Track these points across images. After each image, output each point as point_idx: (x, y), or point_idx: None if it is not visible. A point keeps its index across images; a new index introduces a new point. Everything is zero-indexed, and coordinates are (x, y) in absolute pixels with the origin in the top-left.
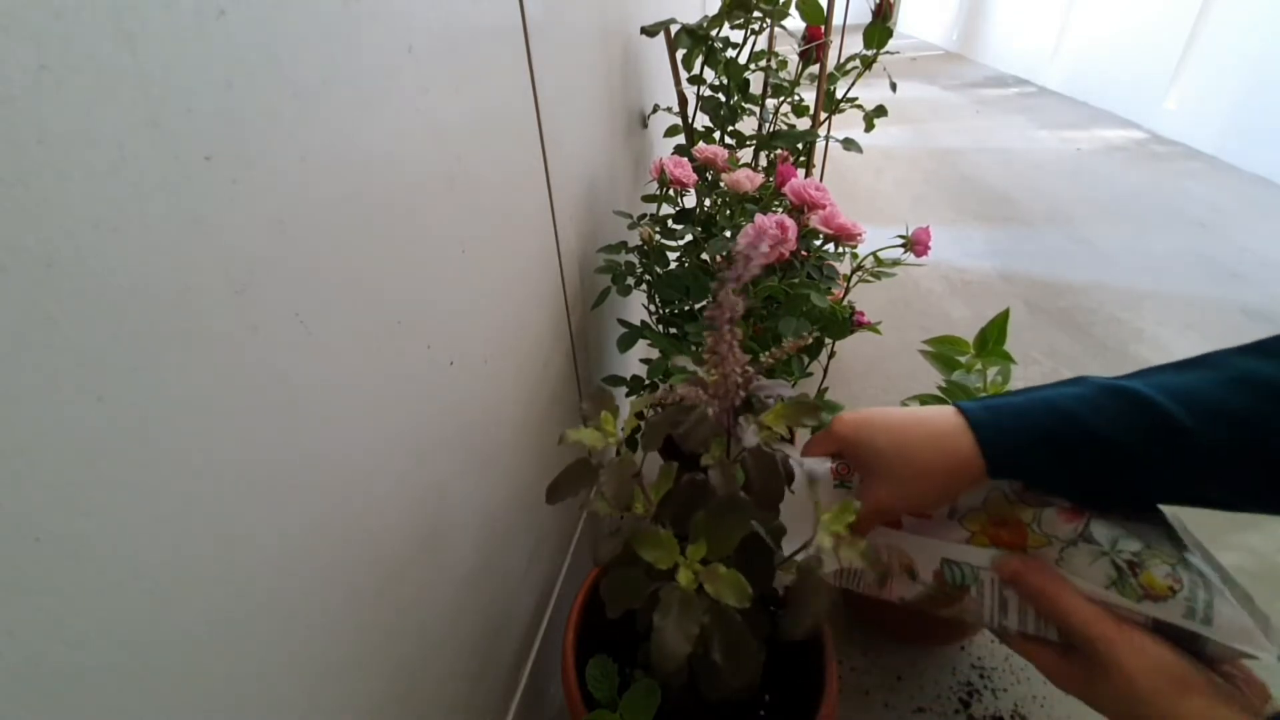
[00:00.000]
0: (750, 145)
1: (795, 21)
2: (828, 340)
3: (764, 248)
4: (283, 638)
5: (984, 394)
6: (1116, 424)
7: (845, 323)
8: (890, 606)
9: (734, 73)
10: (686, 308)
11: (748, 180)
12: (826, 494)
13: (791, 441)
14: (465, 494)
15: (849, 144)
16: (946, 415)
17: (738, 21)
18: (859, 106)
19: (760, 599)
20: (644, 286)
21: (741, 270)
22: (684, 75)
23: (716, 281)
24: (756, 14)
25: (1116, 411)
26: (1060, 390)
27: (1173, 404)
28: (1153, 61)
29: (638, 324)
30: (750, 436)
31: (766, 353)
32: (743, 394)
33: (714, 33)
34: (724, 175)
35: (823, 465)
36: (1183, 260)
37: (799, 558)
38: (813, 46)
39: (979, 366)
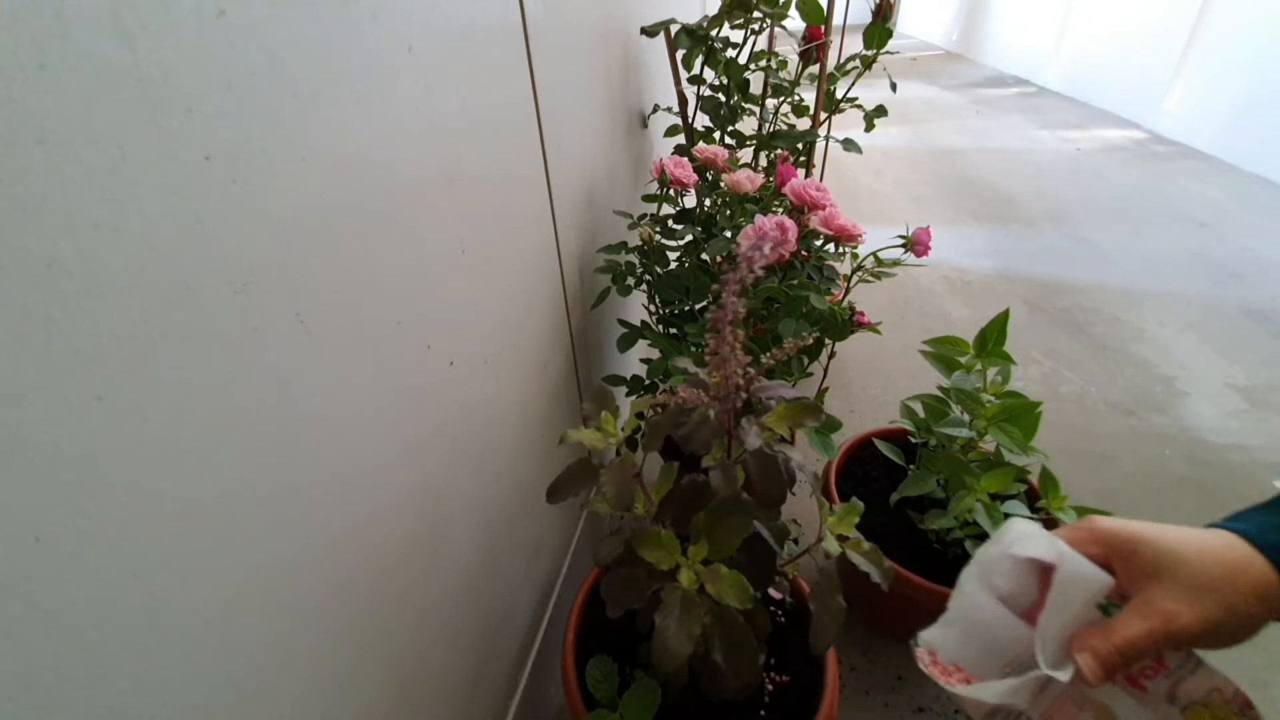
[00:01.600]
0: (750, 145)
1: (795, 21)
2: (828, 341)
3: (767, 249)
4: (282, 637)
5: (985, 395)
6: None
7: (845, 324)
8: (890, 606)
9: (734, 73)
10: (686, 308)
11: (748, 180)
12: (1084, 615)
13: (791, 442)
14: (465, 494)
15: (849, 144)
16: (1216, 532)
17: (738, 21)
18: (859, 106)
19: (762, 599)
20: (644, 286)
21: (744, 272)
22: (684, 75)
23: (718, 283)
24: (756, 14)
25: None
26: None
27: None
28: (1153, 61)
29: (638, 324)
30: (753, 438)
31: (767, 354)
32: (744, 395)
33: (714, 33)
34: (724, 175)
35: (1106, 575)
36: (1183, 260)
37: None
38: (813, 46)
39: (979, 367)
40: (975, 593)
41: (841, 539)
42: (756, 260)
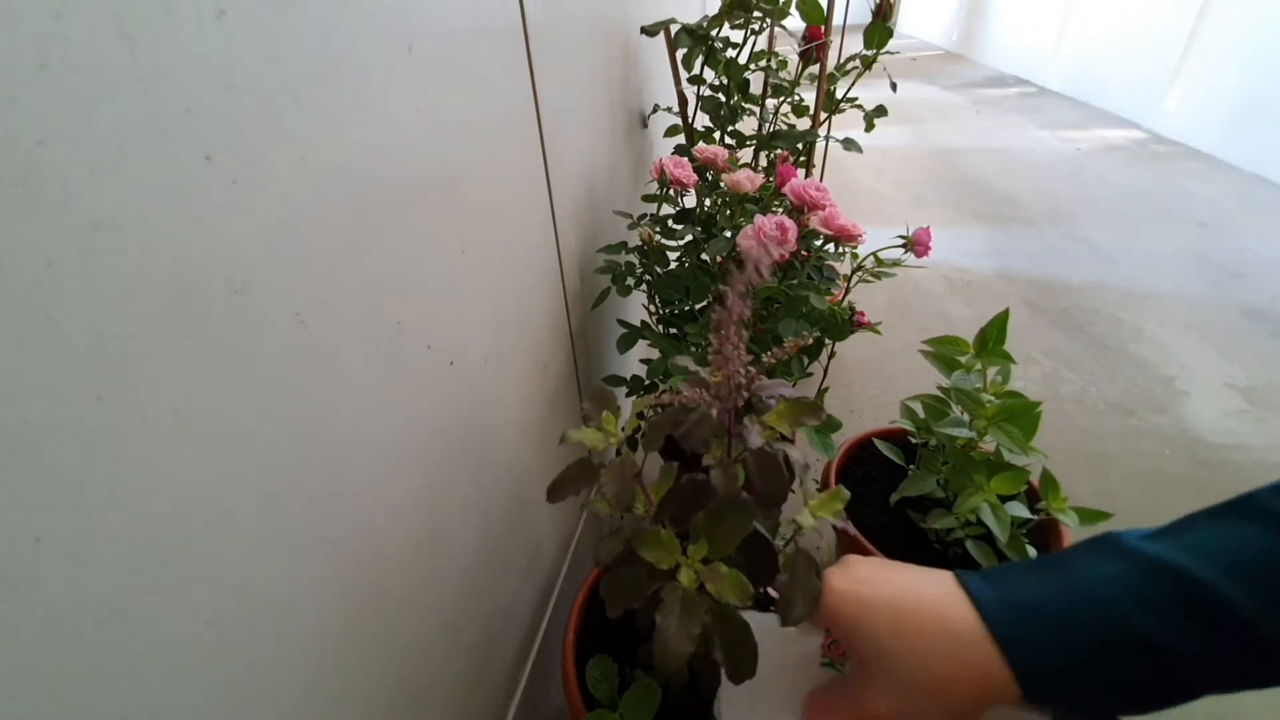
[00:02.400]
0: (750, 145)
1: (795, 21)
2: (828, 341)
3: (776, 251)
4: (282, 637)
5: (985, 394)
6: (1167, 621)
7: (845, 324)
8: None
9: (734, 73)
10: (686, 308)
11: (748, 180)
12: (808, 672)
13: (791, 442)
14: (465, 493)
15: (849, 144)
16: (958, 609)
17: (738, 21)
18: (859, 106)
19: (763, 598)
20: (644, 287)
21: (752, 274)
22: (684, 75)
23: (725, 284)
24: (756, 14)
25: (1166, 604)
26: (1091, 572)
27: (1230, 585)
28: (1153, 61)
29: (637, 324)
30: (755, 437)
31: (768, 353)
32: (745, 394)
33: (714, 33)
34: (724, 175)
35: (813, 638)
36: (1183, 260)
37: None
38: (813, 46)
39: (979, 367)
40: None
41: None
42: (765, 262)
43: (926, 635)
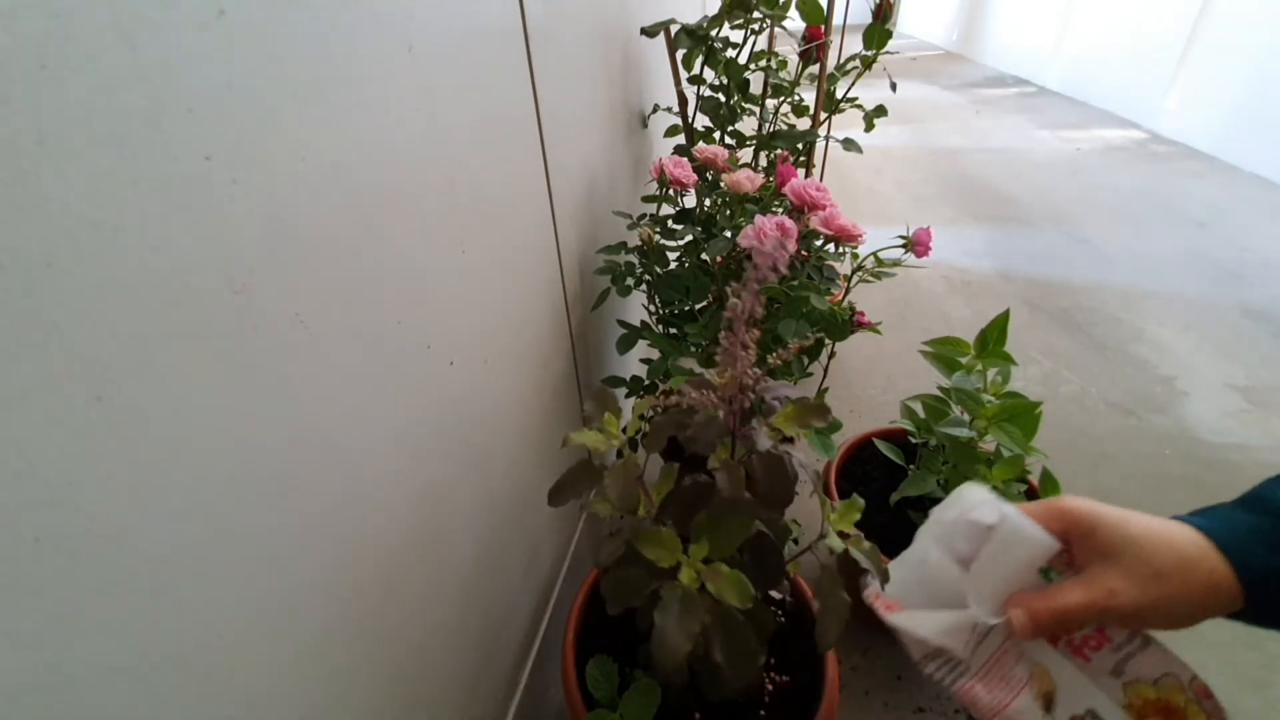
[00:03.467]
0: (750, 145)
1: (795, 21)
2: (828, 341)
3: (791, 245)
4: (282, 637)
5: (985, 395)
6: None
7: (845, 324)
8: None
9: (734, 73)
10: (686, 308)
11: (748, 181)
12: (1023, 572)
13: (792, 443)
14: (465, 494)
15: (849, 144)
16: (1187, 531)
17: (738, 22)
18: (859, 106)
19: (764, 598)
20: (644, 287)
21: (766, 273)
22: (684, 75)
23: (726, 283)
24: (756, 14)
25: None
26: None
27: None
28: (1153, 61)
29: (637, 325)
30: (763, 439)
31: (773, 354)
32: (751, 396)
33: (714, 33)
34: (724, 175)
35: (1049, 538)
36: (1183, 260)
37: (802, 557)
38: (813, 46)
39: (979, 367)
40: (930, 549)
41: (843, 535)
42: (781, 259)
43: (1173, 539)
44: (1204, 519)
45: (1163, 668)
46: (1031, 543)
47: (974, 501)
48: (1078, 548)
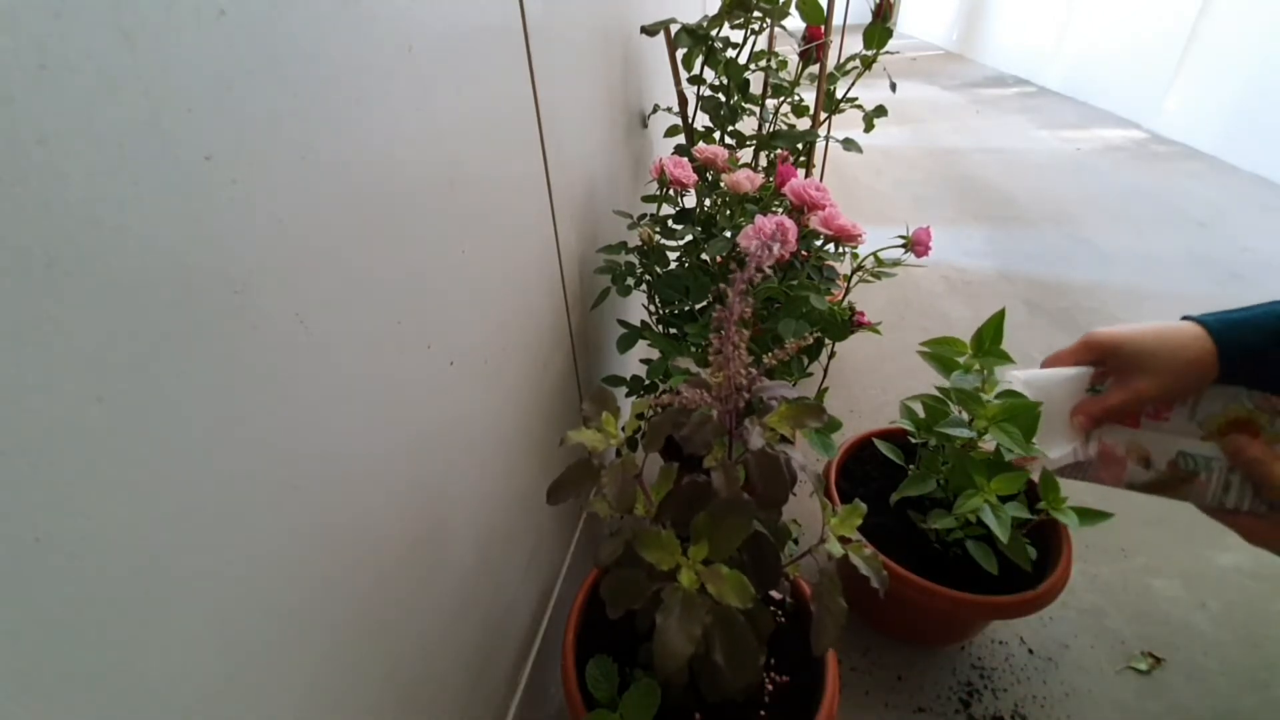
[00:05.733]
0: (750, 145)
1: (795, 21)
2: (828, 341)
3: (776, 249)
4: (282, 637)
5: (983, 393)
6: None
7: (845, 324)
8: (890, 607)
9: (734, 73)
10: (686, 308)
11: (748, 181)
12: (1076, 396)
13: (792, 443)
14: (465, 494)
15: (849, 144)
16: (1194, 328)
17: (738, 21)
18: (859, 106)
19: (763, 599)
20: (644, 287)
21: (752, 271)
22: (684, 75)
23: (724, 283)
24: (756, 14)
25: None
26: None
27: None
28: (1153, 61)
29: (637, 324)
30: (756, 438)
31: (769, 354)
32: (746, 396)
33: (714, 33)
34: (724, 175)
35: (1085, 371)
36: (1183, 260)
37: (803, 560)
38: (813, 46)
39: (977, 366)
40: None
41: (844, 541)
42: (765, 259)
43: (1176, 338)
44: (1212, 316)
45: (1224, 400)
46: (1067, 380)
47: (1014, 378)
48: (1111, 364)
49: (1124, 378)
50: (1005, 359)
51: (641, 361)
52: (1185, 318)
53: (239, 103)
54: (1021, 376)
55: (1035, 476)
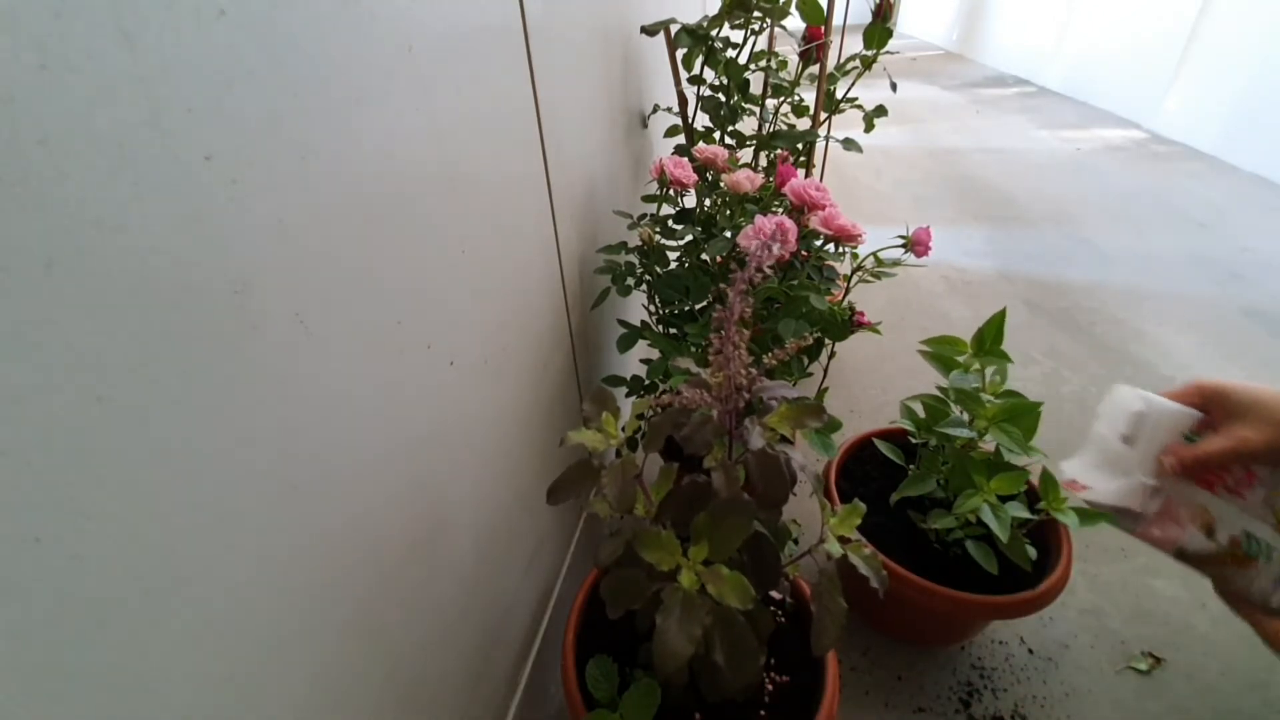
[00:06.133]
0: (750, 145)
1: (795, 21)
2: (828, 341)
3: (776, 249)
4: (282, 637)
5: (985, 394)
6: None
7: (845, 324)
8: (890, 607)
9: (734, 73)
10: (686, 308)
11: (748, 181)
12: (1171, 436)
13: (791, 443)
14: (465, 494)
15: (849, 144)
16: None
17: (738, 21)
18: (859, 106)
19: (763, 599)
20: (644, 287)
21: (752, 272)
22: (684, 75)
23: (724, 283)
24: (756, 14)
25: None
26: None
27: None
28: (1153, 61)
29: (637, 324)
30: (756, 439)
31: (769, 354)
32: (746, 396)
33: (714, 33)
34: (724, 175)
35: (1190, 410)
36: (1183, 260)
37: (802, 560)
38: (813, 46)
39: (977, 366)
40: (1103, 436)
41: (844, 541)
42: (766, 260)
43: None
44: None
45: None
46: (1175, 415)
47: (1125, 396)
48: (1214, 411)
49: (1228, 426)
50: (1005, 358)
51: (641, 361)
52: None
53: (239, 103)
54: (1140, 393)
55: (1082, 497)
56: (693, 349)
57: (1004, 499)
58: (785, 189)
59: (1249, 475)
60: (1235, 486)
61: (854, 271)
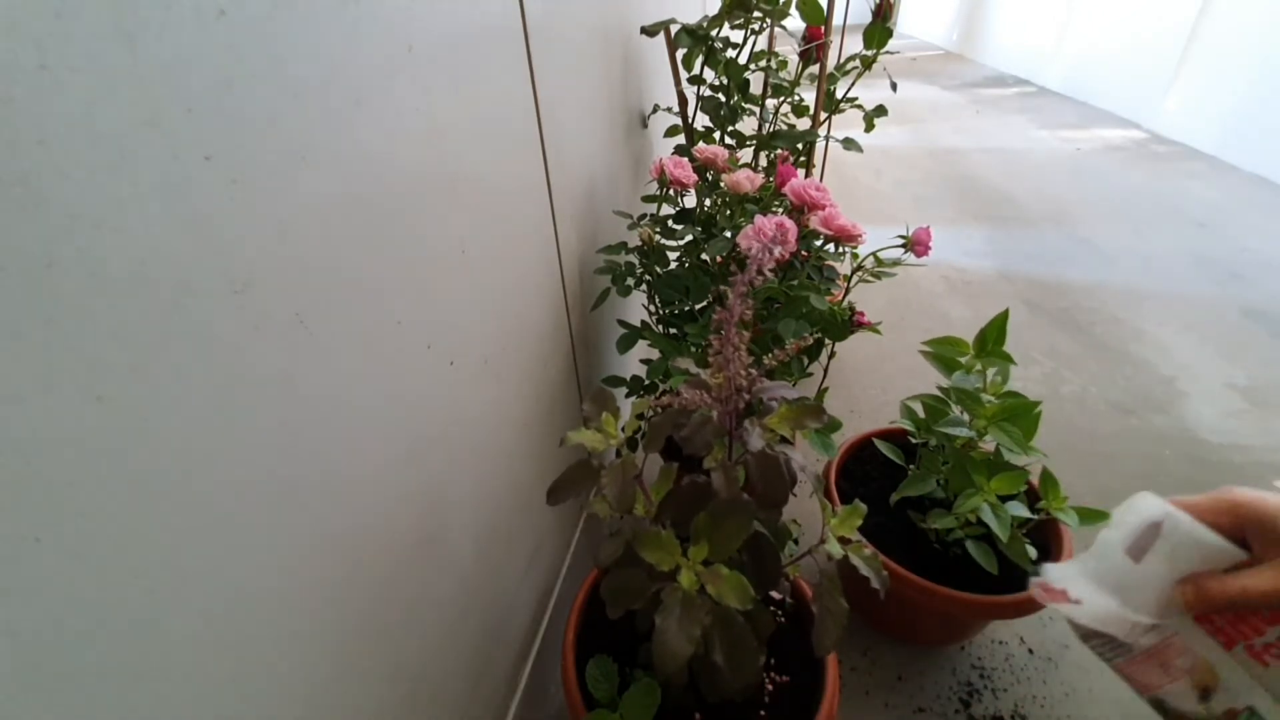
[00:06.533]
0: (750, 145)
1: (795, 21)
2: (828, 341)
3: (777, 252)
4: (282, 637)
5: (985, 395)
6: None
7: (845, 324)
8: (890, 607)
9: (734, 73)
10: (686, 308)
11: (748, 181)
12: (1197, 568)
13: (791, 443)
14: (465, 494)
15: (849, 144)
16: None
17: (738, 21)
18: (859, 106)
19: (763, 599)
20: (644, 287)
21: (753, 273)
22: (684, 75)
23: (724, 283)
24: (756, 14)
25: None
26: None
27: None
28: (1153, 61)
29: (637, 325)
30: (756, 439)
31: (769, 355)
32: (746, 396)
33: (714, 33)
34: (724, 175)
35: (1234, 548)
36: (1183, 260)
37: (802, 561)
38: (813, 46)
39: (978, 367)
40: (1107, 546)
41: (844, 541)
42: (766, 262)
43: None
44: None
45: None
46: (1208, 547)
47: (1147, 505)
48: (1255, 540)
49: (1274, 562)
50: (1007, 359)
51: (641, 362)
52: None
53: (239, 103)
54: (1164, 505)
55: (1062, 611)
56: (693, 349)
57: (1004, 499)
58: (785, 189)
59: None
60: (1262, 650)
61: (854, 271)
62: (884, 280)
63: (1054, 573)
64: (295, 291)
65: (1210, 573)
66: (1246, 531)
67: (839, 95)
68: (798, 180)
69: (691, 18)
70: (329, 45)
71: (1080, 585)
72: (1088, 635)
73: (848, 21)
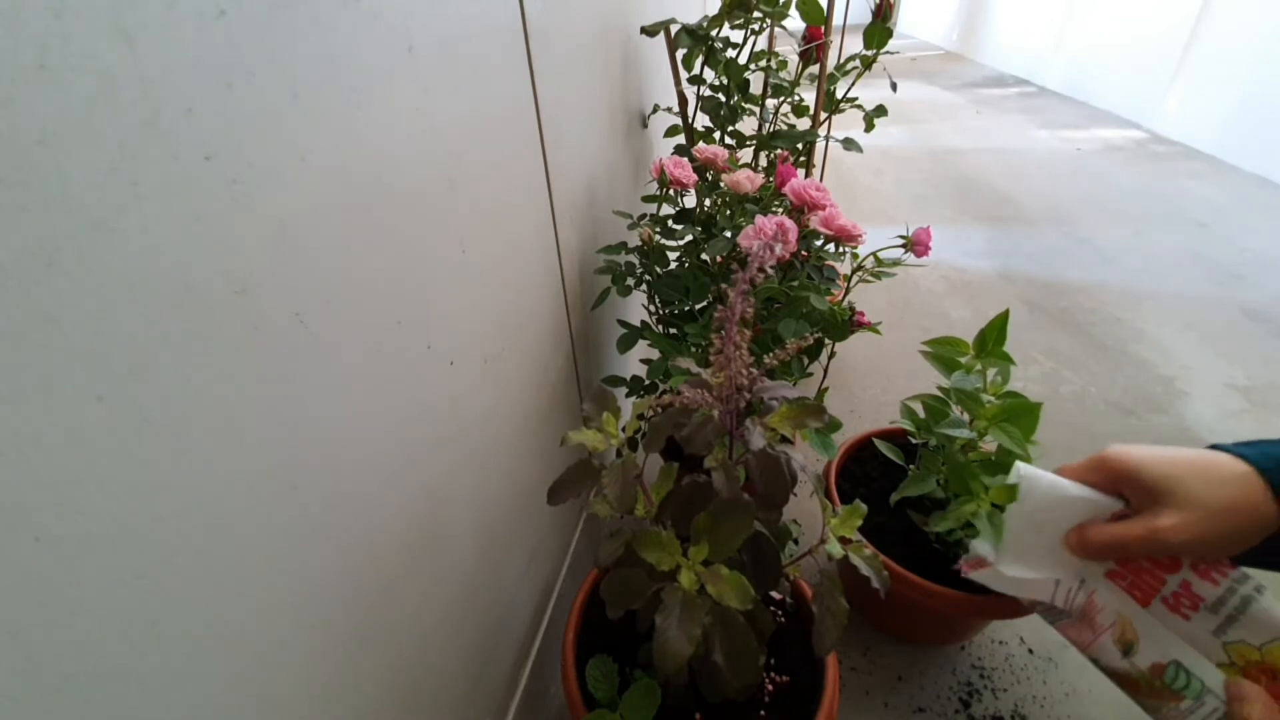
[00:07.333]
0: (750, 145)
1: (795, 21)
2: (828, 341)
3: (778, 250)
4: (282, 637)
5: (985, 395)
6: None
7: (845, 324)
8: (890, 607)
9: (734, 73)
10: (686, 308)
11: (748, 181)
12: (1079, 520)
13: (792, 443)
14: (465, 494)
15: (849, 144)
16: (1235, 463)
17: (738, 22)
18: (859, 106)
19: (763, 599)
20: (644, 287)
21: (753, 272)
22: (684, 75)
23: (724, 283)
24: (756, 14)
25: None
26: None
27: None
28: (1153, 61)
29: (638, 324)
30: (757, 439)
31: (770, 354)
32: (747, 396)
33: (714, 33)
34: (724, 176)
35: (1105, 498)
36: (1183, 260)
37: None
38: (813, 46)
39: (979, 367)
40: (1014, 519)
41: (844, 541)
42: (766, 260)
43: (1214, 470)
44: (1251, 449)
45: (1269, 633)
46: (1075, 501)
47: (1023, 473)
48: (1126, 490)
49: (1149, 511)
50: (1007, 360)
51: (641, 361)
52: (1214, 447)
53: (239, 103)
54: (1025, 470)
55: (981, 576)
56: (693, 349)
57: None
58: (785, 189)
59: (1197, 595)
60: (1176, 603)
61: (854, 271)
62: (884, 280)
63: (979, 548)
64: (295, 291)
65: (1091, 522)
66: (1119, 484)
67: (839, 95)
68: (798, 180)
69: (691, 18)
70: (329, 45)
71: (991, 551)
72: (1032, 605)
73: (848, 21)
